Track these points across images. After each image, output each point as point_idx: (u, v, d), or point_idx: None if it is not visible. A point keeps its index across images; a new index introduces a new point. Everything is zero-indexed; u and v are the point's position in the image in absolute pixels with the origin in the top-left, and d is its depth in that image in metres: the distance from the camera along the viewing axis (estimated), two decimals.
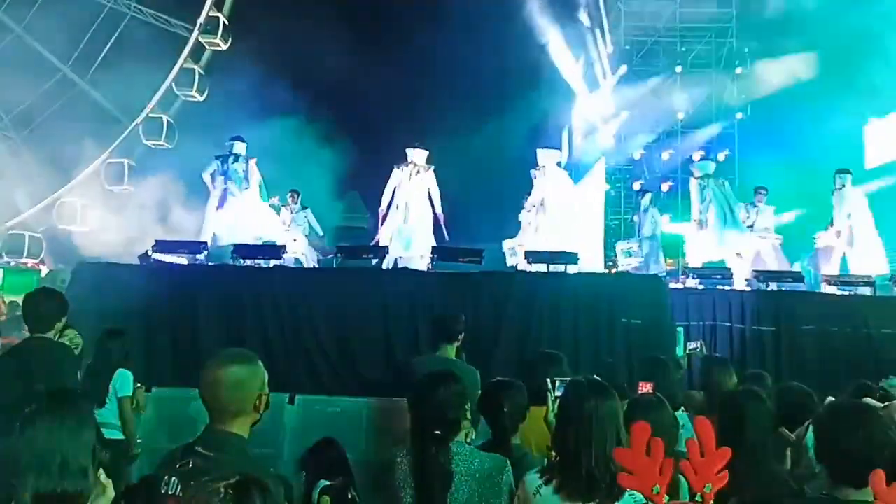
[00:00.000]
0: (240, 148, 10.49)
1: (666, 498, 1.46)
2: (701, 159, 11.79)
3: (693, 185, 10.70)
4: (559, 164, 10.84)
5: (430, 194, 9.99)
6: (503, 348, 6.88)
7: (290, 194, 11.81)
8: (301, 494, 4.29)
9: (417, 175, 10.00)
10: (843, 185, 10.00)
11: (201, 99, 15.11)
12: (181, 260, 8.65)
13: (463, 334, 4.73)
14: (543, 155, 10.40)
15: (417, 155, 10.09)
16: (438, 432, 2.70)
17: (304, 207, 11.81)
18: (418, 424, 2.78)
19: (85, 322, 5.62)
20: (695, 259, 10.40)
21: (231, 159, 10.39)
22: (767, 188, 11.07)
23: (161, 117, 15.00)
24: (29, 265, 12.85)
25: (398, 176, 10.06)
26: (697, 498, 1.46)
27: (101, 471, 2.06)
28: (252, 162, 10.54)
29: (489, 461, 2.77)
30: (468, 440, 2.89)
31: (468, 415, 2.87)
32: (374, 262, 8.84)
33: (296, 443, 5.65)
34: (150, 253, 8.46)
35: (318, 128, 13.57)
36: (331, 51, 13.51)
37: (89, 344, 5.45)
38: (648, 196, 11.90)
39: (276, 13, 14.21)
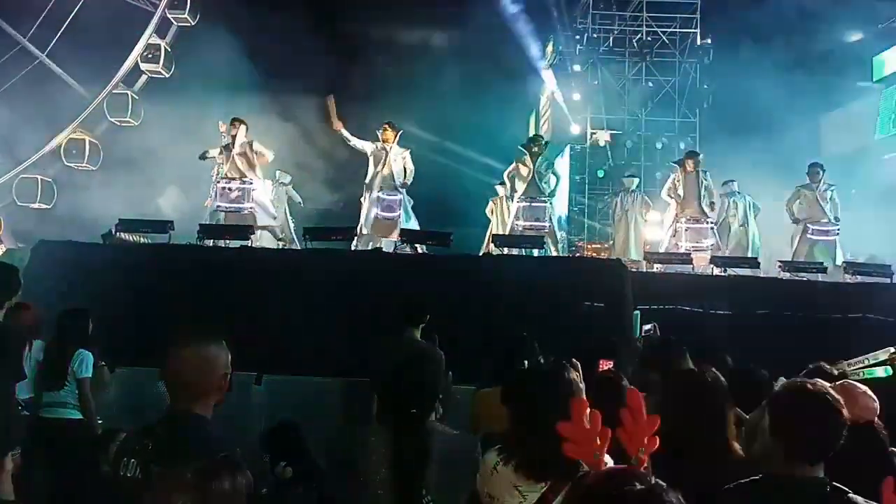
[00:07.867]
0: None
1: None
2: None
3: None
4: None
5: (404, 171, 9.79)
6: (468, 332, 6.95)
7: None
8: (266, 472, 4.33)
9: (388, 155, 9.73)
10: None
11: (167, 76, 14.39)
12: (145, 239, 8.54)
13: (428, 316, 4.79)
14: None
15: (387, 135, 9.78)
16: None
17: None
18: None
19: (45, 302, 5.54)
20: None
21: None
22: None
23: (126, 92, 14.13)
24: None
25: (370, 149, 9.79)
26: (633, 461, 1.60)
27: None
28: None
29: (461, 440, 2.82)
30: (436, 418, 2.95)
31: (438, 395, 2.93)
32: (342, 243, 8.82)
33: (263, 423, 5.68)
34: (113, 231, 8.32)
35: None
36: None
37: (49, 323, 5.37)
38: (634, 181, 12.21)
39: None
